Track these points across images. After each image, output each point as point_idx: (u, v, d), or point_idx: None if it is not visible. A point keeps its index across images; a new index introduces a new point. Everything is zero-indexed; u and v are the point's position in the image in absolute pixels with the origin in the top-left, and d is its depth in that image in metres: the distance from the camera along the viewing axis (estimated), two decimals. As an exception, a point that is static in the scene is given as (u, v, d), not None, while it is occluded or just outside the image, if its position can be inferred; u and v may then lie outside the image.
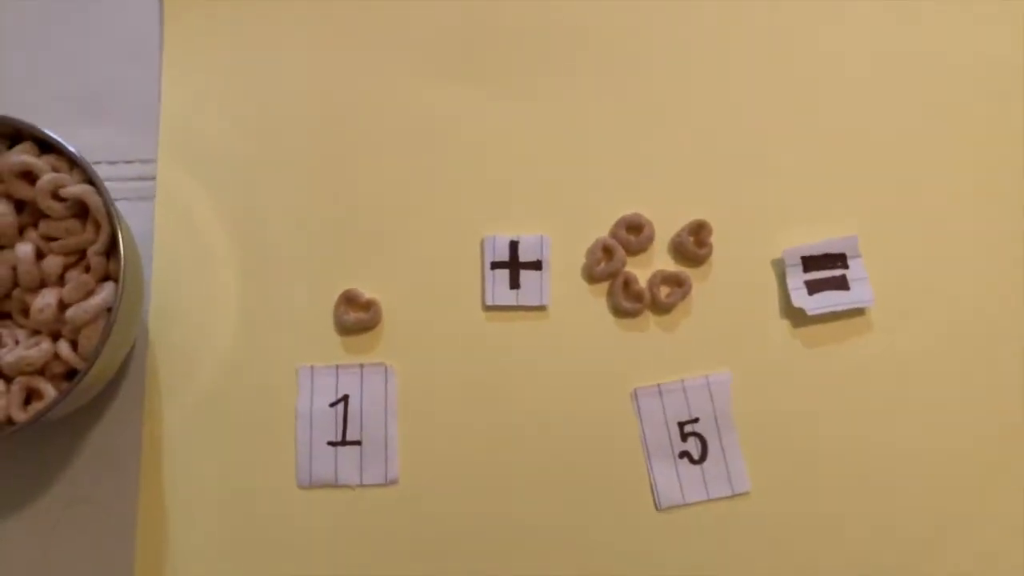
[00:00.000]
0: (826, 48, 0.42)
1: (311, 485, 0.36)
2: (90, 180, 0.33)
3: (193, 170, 0.40)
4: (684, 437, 0.37)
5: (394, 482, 0.37)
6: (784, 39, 0.42)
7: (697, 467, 0.37)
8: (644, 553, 0.36)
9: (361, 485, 0.37)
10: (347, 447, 0.37)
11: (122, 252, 0.32)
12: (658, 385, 0.38)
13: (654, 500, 0.36)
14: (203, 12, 0.42)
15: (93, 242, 0.33)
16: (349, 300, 0.38)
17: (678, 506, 0.36)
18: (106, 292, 0.32)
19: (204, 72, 0.42)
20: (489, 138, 0.41)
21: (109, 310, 0.32)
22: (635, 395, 0.37)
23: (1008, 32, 0.42)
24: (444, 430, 0.37)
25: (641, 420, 0.37)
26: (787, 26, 0.42)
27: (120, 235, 0.32)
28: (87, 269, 0.33)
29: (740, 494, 0.36)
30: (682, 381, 0.37)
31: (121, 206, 0.38)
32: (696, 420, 0.37)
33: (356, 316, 0.38)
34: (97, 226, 0.33)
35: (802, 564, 0.36)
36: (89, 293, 0.32)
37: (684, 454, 0.37)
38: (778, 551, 0.36)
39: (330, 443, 0.37)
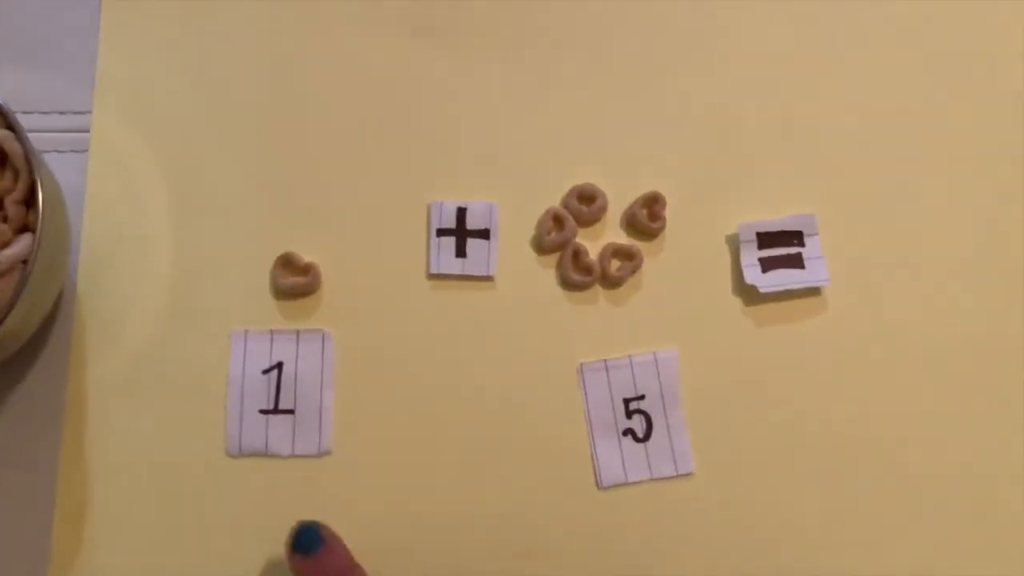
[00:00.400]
0: (786, 22, 0.41)
1: (240, 454, 0.35)
2: (10, 126, 0.32)
3: (130, 122, 0.38)
4: (629, 414, 0.36)
5: (327, 453, 0.36)
6: (745, 13, 0.41)
7: (641, 445, 0.36)
8: (584, 532, 0.35)
9: (293, 455, 0.36)
10: (279, 416, 0.36)
11: (40, 202, 0.31)
12: (604, 360, 0.37)
13: (596, 478, 0.36)
14: None
15: (11, 191, 0.32)
16: (287, 263, 0.37)
17: (620, 484, 0.36)
18: (22, 243, 0.31)
19: (145, 21, 0.40)
20: (440, 100, 0.40)
21: (25, 263, 0.31)
22: (581, 370, 0.37)
23: (967, 9, 0.42)
24: (381, 401, 0.36)
25: (586, 396, 0.37)
26: (751, 4, 0.41)
27: (40, 184, 0.31)
28: (4, 219, 0.31)
29: (684, 474, 0.36)
30: (629, 357, 0.37)
31: (52, 158, 0.37)
32: (642, 397, 0.36)
33: (294, 280, 0.37)
34: (16, 174, 0.32)
35: (745, 546, 0.35)
36: (4, 244, 0.31)
37: (628, 431, 0.36)
38: (720, 533, 0.36)
39: (262, 411, 0.36)
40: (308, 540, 0.32)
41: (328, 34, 0.41)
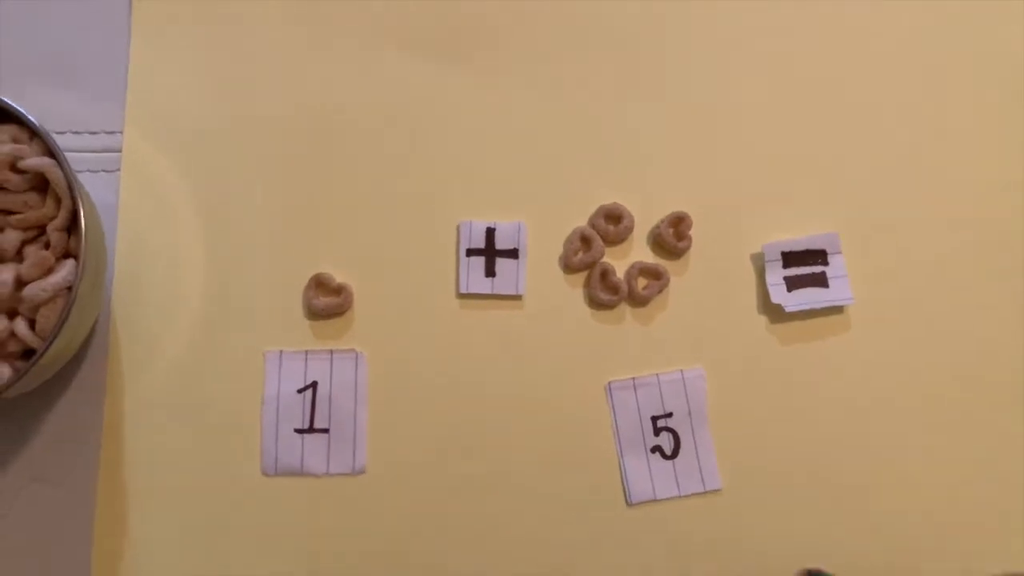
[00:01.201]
0: (811, 44, 0.43)
1: (276, 473, 0.37)
2: (51, 152, 0.33)
3: (161, 143, 0.40)
4: (657, 432, 0.38)
5: (362, 471, 0.37)
6: (770, 35, 0.43)
7: (669, 463, 0.38)
8: (614, 548, 0.37)
9: (327, 474, 0.37)
10: (314, 435, 0.38)
11: (83, 229, 0.32)
12: (632, 379, 0.38)
13: (625, 495, 0.38)
14: None
15: (53, 217, 0.33)
16: (319, 284, 0.39)
17: (649, 501, 0.37)
18: (66, 270, 0.32)
19: (174, 42, 0.42)
20: (468, 122, 0.41)
21: (69, 288, 0.32)
22: (609, 388, 0.38)
23: (991, 31, 0.43)
24: (414, 419, 0.38)
25: (615, 413, 0.38)
26: (775, 21, 0.43)
27: (82, 211, 0.33)
28: (47, 245, 0.33)
29: (712, 491, 0.38)
30: (657, 375, 0.38)
31: (84, 178, 0.39)
32: (670, 415, 0.38)
33: (326, 301, 0.38)
34: (58, 201, 0.33)
35: (772, 564, 0.37)
36: (48, 271, 0.32)
37: (656, 449, 0.38)
38: (748, 550, 0.37)
39: (297, 430, 0.37)
40: None
41: (357, 57, 0.42)
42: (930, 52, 0.43)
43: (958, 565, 0.37)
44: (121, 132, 0.40)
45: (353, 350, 0.38)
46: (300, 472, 0.37)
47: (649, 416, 0.38)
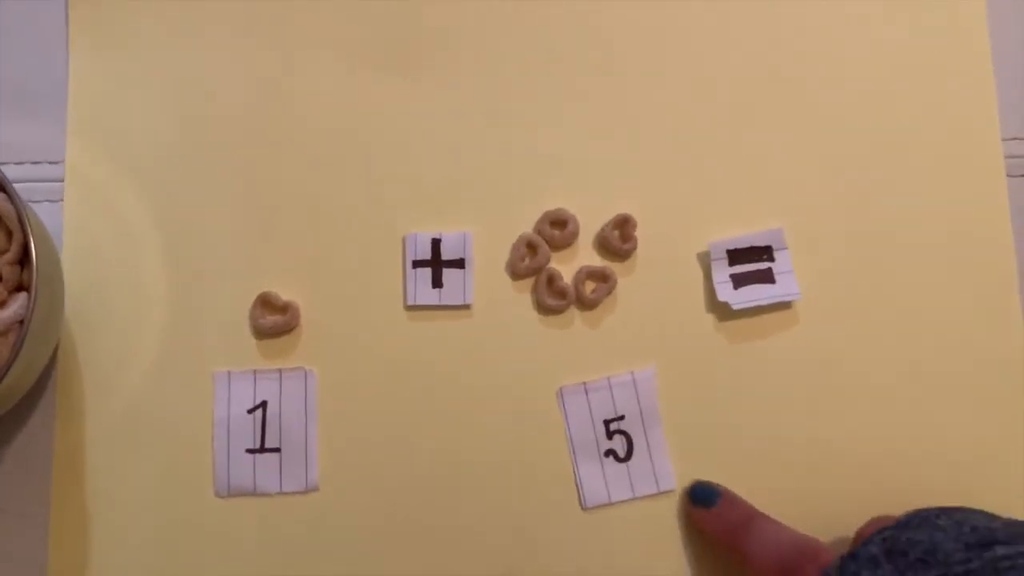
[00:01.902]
0: (751, 40, 0.47)
1: (229, 494, 0.41)
2: (1, 186, 0.37)
3: (104, 168, 0.44)
4: (610, 435, 0.42)
5: (314, 488, 0.41)
6: (709, 33, 0.47)
7: (623, 465, 0.41)
8: (569, 553, 0.41)
9: (281, 492, 0.41)
10: (266, 454, 0.41)
11: (35, 262, 0.35)
12: (583, 383, 0.42)
13: (579, 499, 0.42)
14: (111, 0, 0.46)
15: (5, 251, 0.36)
16: (265, 303, 0.42)
17: (604, 505, 0.41)
18: (18, 304, 0.36)
19: (116, 61, 0.45)
20: (410, 133, 0.45)
21: (21, 322, 0.36)
22: (561, 394, 0.42)
23: (934, 27, 0.47)
24: (366, 434, 0.42)
25: (567, 419, 0.42)
26: (713, 21, 0.47)
27: (32, 243, 0.36)
28: None
29: (665, 492, 0.41)
30: (608, 378, 0.42)
31: (37, 208, 0.42)
32: (622, 418, 0.42)
33: (273, 319, 0.42)
34: (9, 234, 0.37)
35: (726, 564, 0.41)
36: (0, 304, 0.37)
37: (610, 452, 0.42)
38: (702, 550, 0.41)
39: (248, 450, 0.41)
40: (705, 495, 0.40)
41: (301, 71, 0.46)
42: (875, 41, 0.47)
43: None
44: (63, 161, 0.44)
45: (302, 368, 0.42)
46: (253, 492, 0.41)
47: (601, 420, 0.42)
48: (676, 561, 0.41)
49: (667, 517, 0.42)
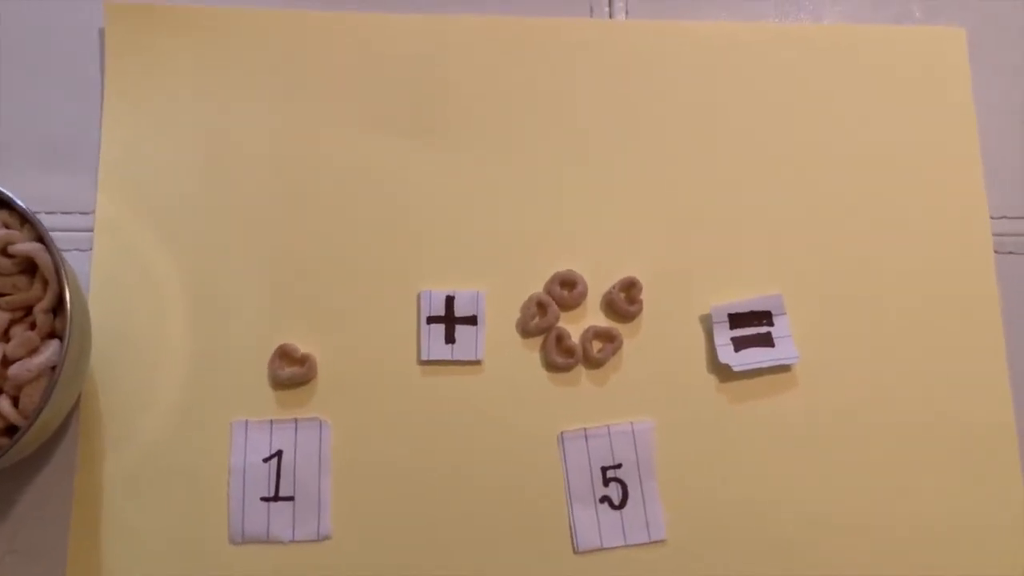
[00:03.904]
0: (754, 118, 0.51)
1: (243, 541, 0.43)
2: (40, 236, 0.40)
3: (132, 221, 0.47)
4: (606, 482, 0.45)
5: (327, 537, 0.44)
6: (714, 109, 0.51)
7: (617, 512, 0.44)
8: None
9: (294, 541, 0.43)
10: (280, 503, 0.44)
11: (68, 312, 0.38)
12: (584, 429, 0.45)
13: (573, 543, 0.44)
14: (145, 58, 0.49)
15: (40, 299, 0.39)
16: (284, 354, 0.45)
17: (596, 550, 0.44)
18: (51, 351, 0.38)
19: (147, 119, 0.49)
20: (427, 196, 0.49)
21: (53, 368, 0.38)
22: (561, 438, 0.45)
23: (925, 105, 0.52)
24: (377, 484, 0.44)
25: (566, 463, 0.45)
26: (717, 94, 0.51)
27: (67, 293, 0.39)
28: (32, 326, 0.39)
29: (656, 541, 0.44)
30: (608, 427, 0.45)
31: (68, 257, 0.44)
32: (619, 466, 0.45)
33: (291, 371, 0.45)
34: (45, 283, 0.39)
35: None
36: (33, 351, 0.38)
37: (605, 499, 0.45)
38: None
39: (263, 499, 0.44)
40: None
41: (322, 132, 0.49)
42: (869, 120, 0.51)
43: None
44: (93, 212, 0.47)
45: (317, 418, 0.45)
46: (266, 540, 0.43)
47: (599, 466, 0.45)
48: None
49: (656, 565, 0.45)
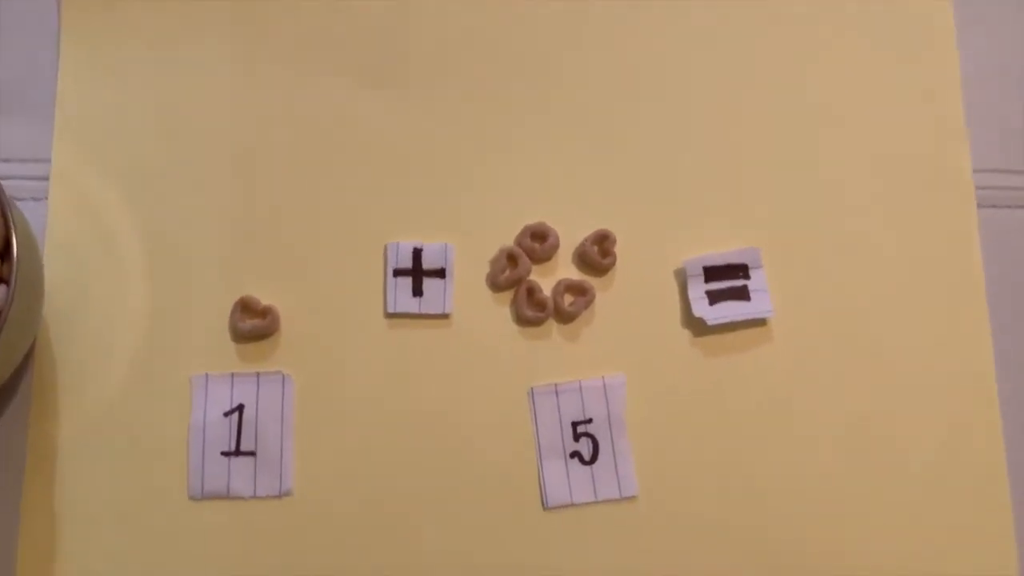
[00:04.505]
0: (730, 62, 0.50)
1: (203, 497, 0.42)
2: None
3: (90, 168, 0.46)
4: (577, 437, 0.44)
5: (288, 493, 0.43)
6: (689, 50, 0.50)
7: (587, 468, 0.44)
8: (529, 552, 0.43)
9: (255, 496, 0.43)
10: (241, 457, 0.43)
11: (15, 255, 0.37)
12: (555, 384, 0.45)
13: (542, 499, 0.44)
14: (102, 3, 0.48)
15: None
16: (245, 307, 0.44)
17: (565, 506, 0.43)
18: None
19: (106, 64, 0.47)
20: (395, 144, 0.47)
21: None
22: (532, 394, 0.44)
23: (907, 54, 0.50)
24: (341, 439, 0.44)
25: (536, 419, 0.44)
26: (694, 43, 0.50)
27: (15, 236, 0.38)
28: None
29: (627, 497, 0.44)
30: (579, 382, 0.45)
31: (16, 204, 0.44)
32: (590, 421, 0.44)
33: (252, 323, 0.44)
34: None
35: (685, 570, 0.43)
36: None
37: (575, 454, 0.44)
38: (662, 556, 0.43)
39: (223, 453, 0.43)
40: None
41: (288, 82, 0.48)
42: (850, 68, 0.50)
43: (880, 562, 0.43)
44: (49, 160, 0.46)
45: (280, 372, 0.44)
46: (227, 495, 0.43)
47: (570, 421, 0.44)
48: (634, 564, 0.43)
49: (628, 521, 0.44)
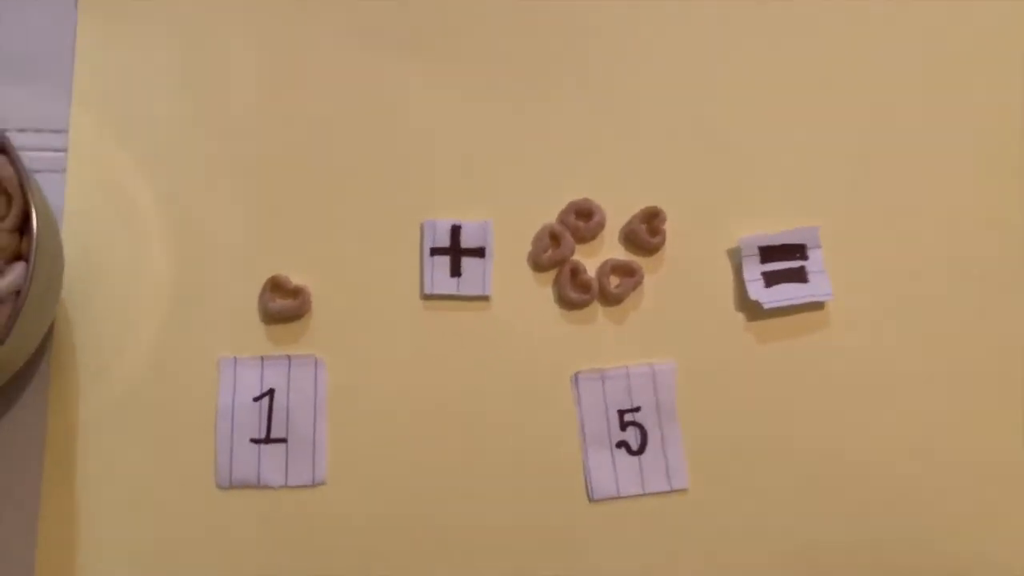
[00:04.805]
0: (789, 31, 0.48)
1: (231, 486, 0.41)
2: (2, 148, 0.37)
3: (111, 140, 0.44)
4: (624, 426, 0.42)
5: (321, 483, 0.41)
6: (744, 25, 0.47)
7: (635, 458, 0.42)
8: (573, 546, 0.41)
9: (286, 486, 0.41)
10: (271, 445, 0.41)
11: (35, 231, 0.35)
12: (600, 370, 0.42)
13: (587, 491, 0.42)
14: None
15: (3, 217, 0.36)
16: (276, 286, 0.42)
17: (612, 498, 0.41)
18: (15, 273, 0.35)
19: (126, 33, 0.46)
20: (433, 116, 0.45)
21: (18, 293, 0.35)
22: (576, 379, 0.42)
23: (969, 16, 0.48)
24: (376, 427, 0.42)
25: (580, 406, 0.42)
26: (752, 11, 0.48)
27: (34, 211, 0.36)
28: None
29: (678, 490, 0.42)
30: (626, 367, 0.43)
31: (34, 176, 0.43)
32: (638, 409, 0.42)
33: (283, 303, 0.42)
34: (8, 200, 0.36)
35: (735, 569, 0.41)
36: None
37: (622, 444, 0.42)
38: (712, 553, 0.41)
39: (253, 440, 0.41)
40: None
41: (320, 52, 0.46)
42: (918, 39, 0.48)
43: (940, 561, 0.41)
44: (67, 131, 0.44)
45: (312, 355, 0.42)
46: (257, 485, 0.41)
47: (616, 409, 0.42)
48: (683, 560, 0.42)
49: (677, 515, 0.42)
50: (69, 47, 0.45)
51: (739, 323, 0.43)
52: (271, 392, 0.42)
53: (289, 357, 0.42)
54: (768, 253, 0.43)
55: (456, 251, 0.43)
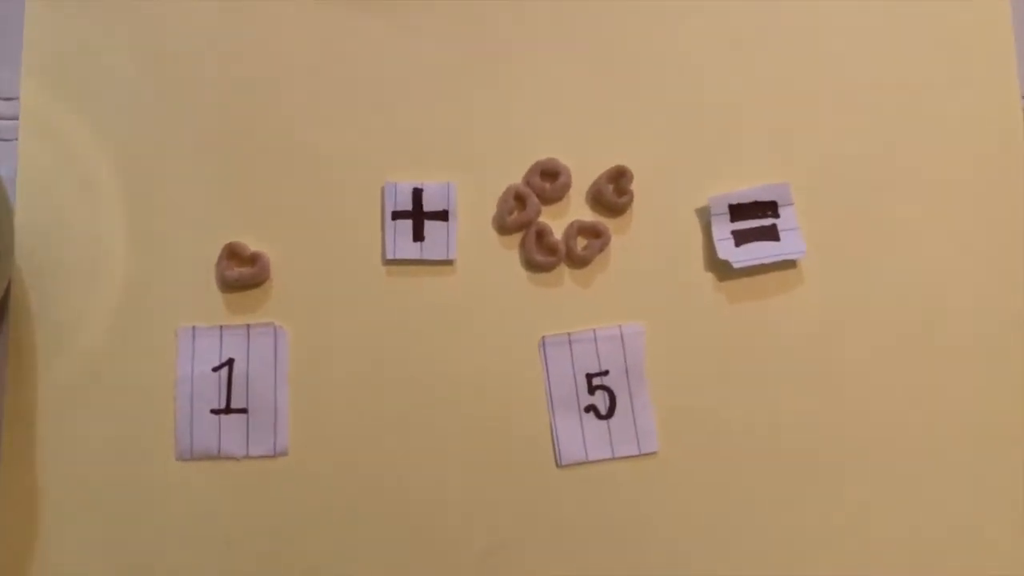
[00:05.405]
0: None
1: (192, 457, 0.40)
2: None
3: (62, 106, 0.43)
4: (592, 390, 0.41)
5: (283, 453, 0.40)
6: None
7: (603, 423, 0.41)
8: (541, 512, 0.40)
9: (247, 456, 0.40)
10: (232, 415, 0.41)
11: None
12: (568, 334, 0.42)
13: (555, 456, 0.41)
14: None
15: None
16: (232, 254, 0.42)
17: (580, 463, 0.41)
18: None
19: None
20: (391, 73, 0.44)
21: None
22: (543, 344, 0.42)
23: None
24: (339, 395, 0.41)
25: (547, 370, 0.42)
26: None
27: None
28: None
29: (647, 454, 0.41)
30: (593, 330, 0.42)
31: None
32: (606, 373, 0.41)
33: (240, 271, 0.41)
34: None
35: (706, 532, 0.41)
36: None
37: (591, 408, 0.41)
38: (683, 517, 0.41)
39: (213, 411, 0.41)
40: None
41: (276, 13, 0.45)
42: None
43: (909, 522, 0.41)
44: (17, 98, 0.43)
45: (271, 324, 0.41)
46: (217, 456, 0.40)
47: (584, 373, 0.41)
48: (653, 524, 0.41)
49: (648, 480, 0.41)
50: (18, 12, 0.44)
51: (709, 284, 0.43)
52: (230, 362, 0.41)
53: (248, 326, 0.41)
54: (738, 211, 0.43)
55: (418, 214, 0.43)
